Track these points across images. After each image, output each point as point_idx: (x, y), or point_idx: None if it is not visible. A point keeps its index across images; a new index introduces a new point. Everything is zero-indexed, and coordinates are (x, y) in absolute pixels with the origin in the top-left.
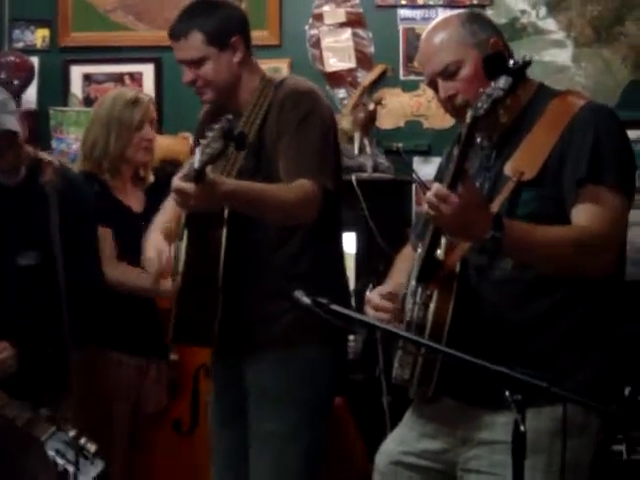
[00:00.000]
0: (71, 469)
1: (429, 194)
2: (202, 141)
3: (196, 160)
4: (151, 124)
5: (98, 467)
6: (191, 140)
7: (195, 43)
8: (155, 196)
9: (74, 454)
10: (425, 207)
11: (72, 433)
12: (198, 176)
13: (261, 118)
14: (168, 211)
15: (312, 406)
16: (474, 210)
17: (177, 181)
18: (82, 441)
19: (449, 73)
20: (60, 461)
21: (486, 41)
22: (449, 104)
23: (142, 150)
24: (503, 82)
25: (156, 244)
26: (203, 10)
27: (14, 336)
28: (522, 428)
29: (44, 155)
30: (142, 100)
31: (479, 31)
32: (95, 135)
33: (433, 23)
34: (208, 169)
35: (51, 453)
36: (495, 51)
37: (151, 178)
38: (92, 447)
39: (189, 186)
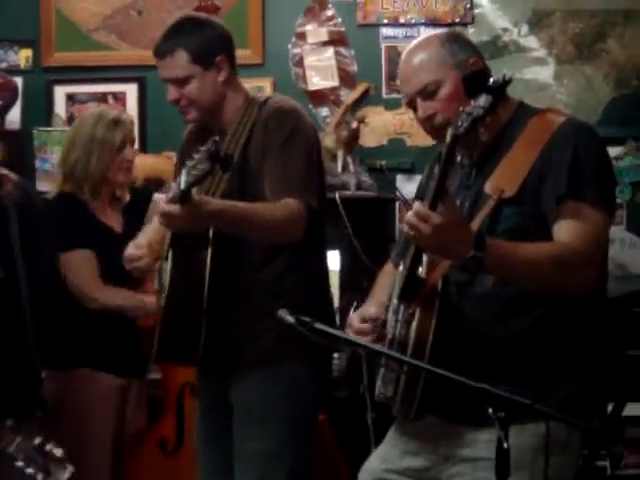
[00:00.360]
0: (40, 476)
1: (409, 214)
2: (188, 162)
3: (182, 181)
4: (131, 144)
5: (67, 471)
6: (175, 160)
7: (180, 62)
8: (133, 215)
9: (42, 461)
10: (405, 227)
11: (38, 440)
12: (183, 197)
13: (245, 137)
14: (151, 231)
15: (297, 422)
16: (455, 229)
17: (162, 205)
18: (48, 447)
19: (428, 93)
20: (29, 470)
21: (465, 61)
22: (428, 124)
23: (123, 171)
24: (483, 100)
25: (136, 241)
26: (189, 29)
27: None
28: (505, 445)
29: (1, 169)
30: (124, 120)
31: (459, 51)
32: (76, 156)
33: (413, 43)
34: (193, 190)
35: (19, 464)
36: (474, 70)
37: (127, 197)
38: (58, 452)
39: (174, 208)
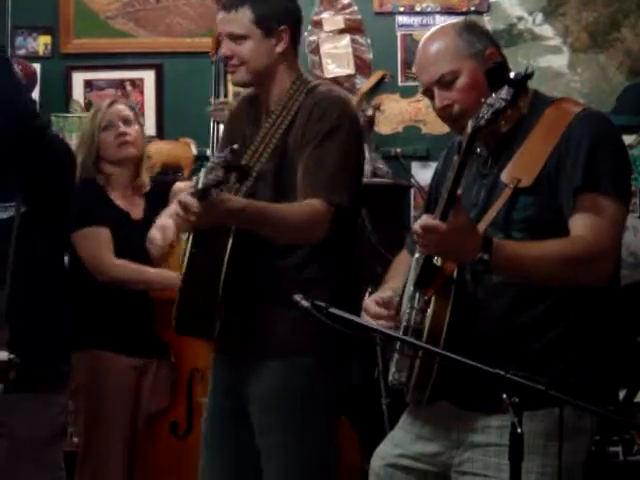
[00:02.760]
0: None
1: (416, 225)
2: (209, 162)
3: (200, 181)
4: (124, 121)
5: None
6: (192, 146)
7: (243, 19)
8: (154, 203)
9: None
10: (414, 236)
11: None
12: (201, 195)
13: (288, 122)
14: (165, 215)
15: (317, 413)
16: (462, 234)
17: (183, 195)
18: None
19: (445, 83)
20: None
21: (482, 51)
22: (445, 113)
23: (119, 146)
24: (505, 93)
25: (160, 222)
26: None
27: None
28: (519, 430)
29: None
30: (100, 107)
31: (476, 41)
32: (82, 158)
33: (429, 32)
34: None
35: None
36: (495, 62)
37: (147, 183)
38: None
39: (193, 202)
